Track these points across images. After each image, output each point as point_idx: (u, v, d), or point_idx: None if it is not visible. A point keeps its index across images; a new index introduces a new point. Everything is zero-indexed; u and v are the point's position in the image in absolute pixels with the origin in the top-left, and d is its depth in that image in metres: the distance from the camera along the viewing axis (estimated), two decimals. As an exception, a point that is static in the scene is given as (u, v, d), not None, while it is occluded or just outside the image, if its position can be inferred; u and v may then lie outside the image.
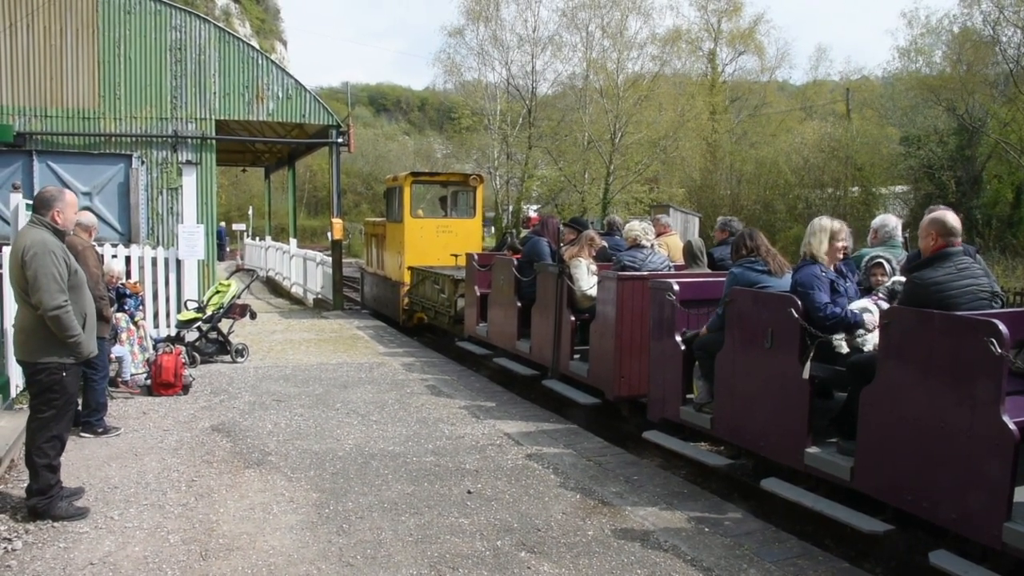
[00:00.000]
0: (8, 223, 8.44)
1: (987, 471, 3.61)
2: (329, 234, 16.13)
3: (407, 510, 4.73)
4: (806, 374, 4.55)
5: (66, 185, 11.73)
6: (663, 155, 31.79)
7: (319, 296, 16.57)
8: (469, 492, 5.05)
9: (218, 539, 4.25)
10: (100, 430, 6.20)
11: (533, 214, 34.23)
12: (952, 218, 4.25)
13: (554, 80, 36.03)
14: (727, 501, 5.10)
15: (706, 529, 4.52)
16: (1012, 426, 3.52)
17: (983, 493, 3.63)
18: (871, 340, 4.60)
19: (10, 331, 5.55)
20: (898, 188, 27.70)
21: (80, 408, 6.02)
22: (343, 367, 9.35)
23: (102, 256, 7.51)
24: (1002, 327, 3.54)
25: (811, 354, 4.60)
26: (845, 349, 4.75)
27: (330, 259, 15.65)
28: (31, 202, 5.50)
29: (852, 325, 4.63)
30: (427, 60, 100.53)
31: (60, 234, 4.53)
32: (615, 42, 32.34)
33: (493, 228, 37.78)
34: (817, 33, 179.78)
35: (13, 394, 6.64)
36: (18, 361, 4.58)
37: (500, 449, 6.05)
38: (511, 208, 35.84)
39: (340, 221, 15.48)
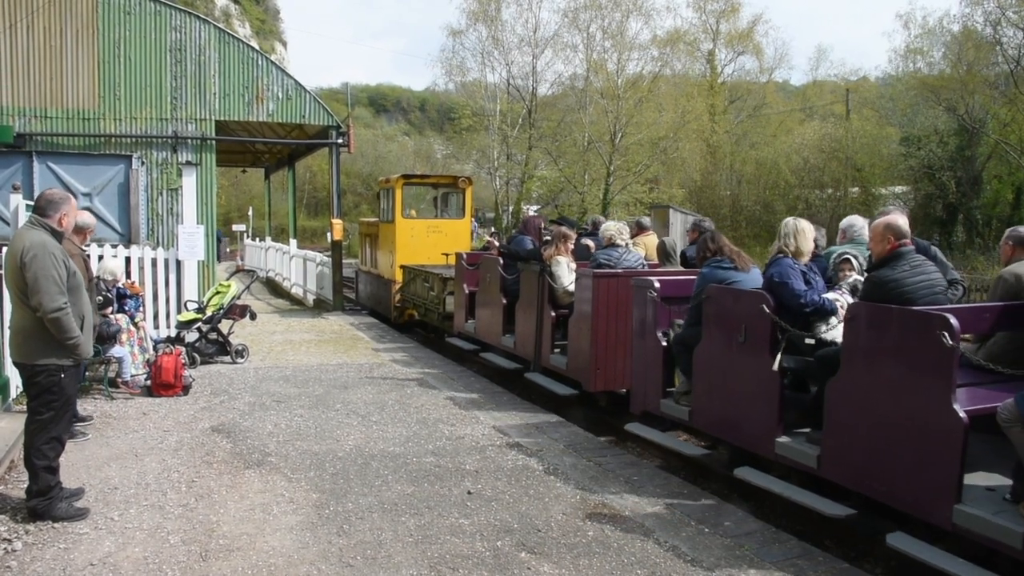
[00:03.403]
0: (8, 224, 8.45)
1: (939, 456, 3.82)
2: (329, 235, 16.18)
3: (407, 511, 4.72)
4: (776, 365, 4.78)
5: (66, 186, 11.75)
6: (663, 156, 31.80)
7: (319, 296, 16.58)
8: (469, 493, 5.05)
9: (218, 540, 4.25)
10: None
11: (532, 214, 34.22)
12: (903, 220, 4.56)
13: (554, 81, 36.08)
14: (727, 502, 5.10)
15: (706, 529, 4.52)
16: (962, 414, 3.73)
17: (935, 477, 3.84)
18: (837, 334, 4.79)
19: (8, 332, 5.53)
20: (898, 188, 27.72)
21: None
22: (343, 368, 9.35)
23: (88, 258, 7.47)
24: (953, 320, 3.74)
25: (782, 346, 4.82)
26: (811, 341, 4.94)
27: (330, 259, 15.69)
28: (31, 203, 5.49)
29: (828, 312, 4.89)
30: (426, 60, 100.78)
31: (59, 236, 4.53)
32: (616, 43, 32.36)
33: (493, 228, 37.79)
34: (815, 34, 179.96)
35: (13, 395, 6.64)
36: (15, 363, 4.57)
37: (500, 450, 6.05)
38: (511, 209, 35.84)
39: (340, 222, 15.52)
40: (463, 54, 36.07)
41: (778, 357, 4.79)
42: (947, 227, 25.20)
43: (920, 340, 3.91)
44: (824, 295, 5.01)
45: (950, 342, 3.73)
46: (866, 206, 26.42)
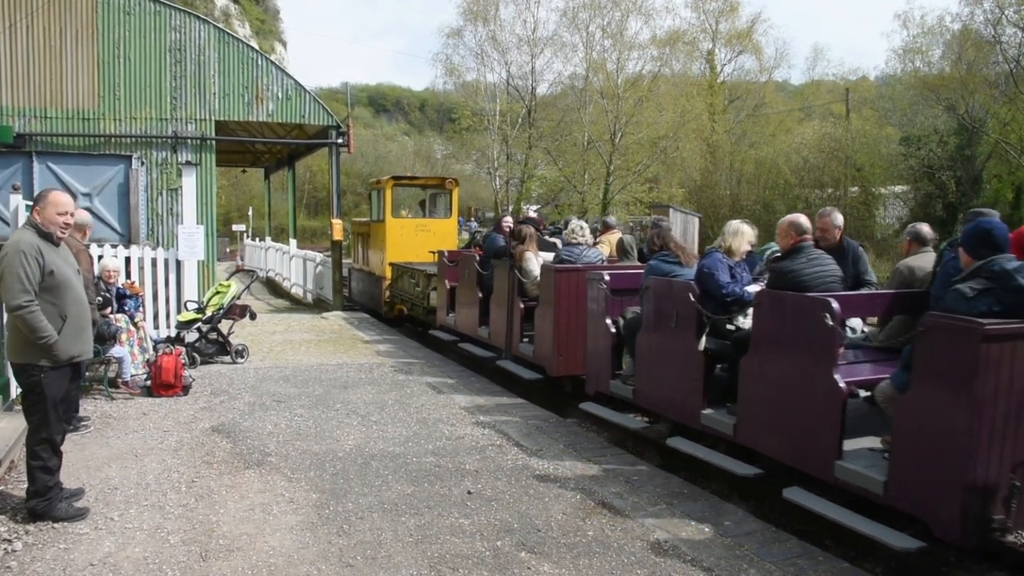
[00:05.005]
0: (8, 224, 8.45)
1: (824, 421, 4.44)
2: (330, 234, 16.27)
3: (407, 511, 4.73)
4: (702, 346, 5.44)
5: (66, 186, 11.73)
6: (663, 155, 31.76)
7: (319, 296, 16.59)
8: (469, 492, 5.05)
9: (218, 540, 4.25)
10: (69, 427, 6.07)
11: (532, 214, 34.20)
12: (804, 219, 5.24)
13: (554, 80, 36.05)
14: (727, 501, 5.11)
15: (706, 529, 4.52)
16: (842, 384, 4.34)
17: (821, 438, 4.48)
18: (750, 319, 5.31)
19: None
20: (898, 188, 27.72)
21: None
22: (343, 367, 9.35)
23: (91, 258, 7.43)
24: (835, 304, 4.35)
25: (707, 330, 5.47)
26: (732, 327, 5.51)
27: (329, 259, 15.76)
28: (30, 203, 5.49)
29: (746, 303, 5.44)
30: (426, 60, 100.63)
31: (45, 235, 4.44)
32: (615, 42, 32.34)
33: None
34: (814, 33, 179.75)
35: (13, 395, 6.64)
36: (8, 361, 4.60)
37: (500, 449, 6.05)
38: (511, 208, 35.81)
39: (340, 222, 15.57)
40: (463, 52, 36.07)
41: (703, 339, 5.44)
42: (947, 226, 25.17)
43: (809, 321, 4.51)
44: (746, 288, 5.57)
45: (831, 323, 4.32)
46: (866, 205, 26.47)
